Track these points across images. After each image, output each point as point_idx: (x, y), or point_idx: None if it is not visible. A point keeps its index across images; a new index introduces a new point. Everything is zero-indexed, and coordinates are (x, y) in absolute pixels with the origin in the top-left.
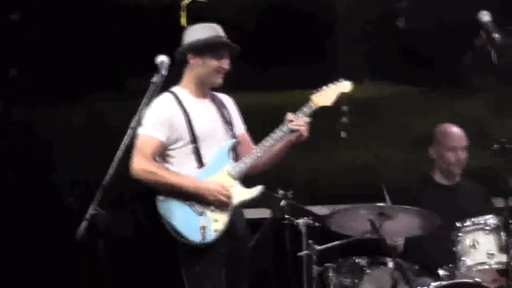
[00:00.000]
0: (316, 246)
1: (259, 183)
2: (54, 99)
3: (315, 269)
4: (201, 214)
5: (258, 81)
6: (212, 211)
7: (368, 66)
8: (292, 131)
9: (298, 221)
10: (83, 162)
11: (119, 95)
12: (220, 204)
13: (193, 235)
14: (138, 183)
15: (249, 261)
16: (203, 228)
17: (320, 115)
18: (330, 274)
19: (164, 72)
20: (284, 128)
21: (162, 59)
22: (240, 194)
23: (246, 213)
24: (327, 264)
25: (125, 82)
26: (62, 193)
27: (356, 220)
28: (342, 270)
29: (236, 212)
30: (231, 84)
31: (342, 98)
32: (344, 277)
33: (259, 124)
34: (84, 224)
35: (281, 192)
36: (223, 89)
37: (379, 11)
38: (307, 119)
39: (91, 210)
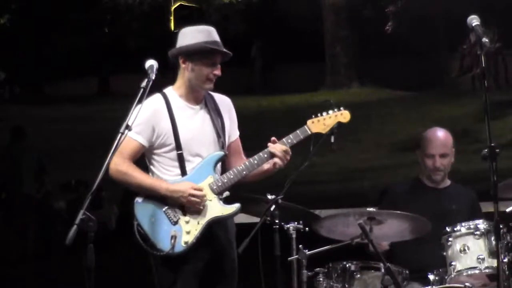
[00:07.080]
0: (306, 250)
1: (247, 189)
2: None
3: (305, 273)
4: (175, 223)
5: (245, 85)
6: (186, 222)
7: (356, 71)
8: (271, 153)
9: (288, 226)
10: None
11: None
12: (192, 205)
13: (163, 243)
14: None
15: (235, 269)
16: (174, 237)
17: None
18: (320, 279)
19: (152, 76)
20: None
21: (151, 63)
22: (215, 210)
23: (237, 217)
24: (317, 269)
25: None
26: None
27: (346, 225)
28: (332, 275)
29: (220, 221)
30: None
31: (331, 103)
32: (334, 281)
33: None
34: (74, 229)
35: (270, 196)
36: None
37: (368, 17)
38: (284, 148)
39: (80, 215)
